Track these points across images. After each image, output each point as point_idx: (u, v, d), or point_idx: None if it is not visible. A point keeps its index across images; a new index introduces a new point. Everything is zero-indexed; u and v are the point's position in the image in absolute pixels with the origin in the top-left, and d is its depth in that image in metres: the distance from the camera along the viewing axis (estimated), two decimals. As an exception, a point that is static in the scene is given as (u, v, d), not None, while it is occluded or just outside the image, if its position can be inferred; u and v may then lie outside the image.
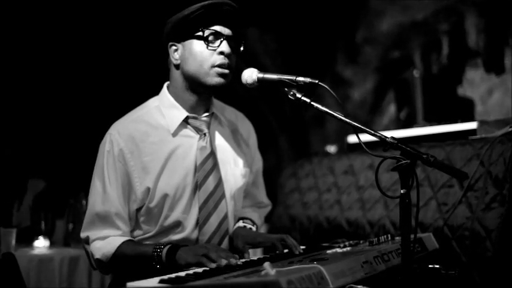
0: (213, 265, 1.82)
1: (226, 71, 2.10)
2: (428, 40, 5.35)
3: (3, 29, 4.35)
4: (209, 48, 2.08)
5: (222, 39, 2.09)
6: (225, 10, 2.08)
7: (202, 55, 2.08)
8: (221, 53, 2.08)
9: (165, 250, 1.97)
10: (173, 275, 1.63)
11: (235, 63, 2.16)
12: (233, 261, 1.83)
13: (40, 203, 3.74)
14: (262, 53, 5.66)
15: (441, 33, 5.26)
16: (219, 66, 2.08)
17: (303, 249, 2.12)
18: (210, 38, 2.08)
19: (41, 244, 3.48)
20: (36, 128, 4.61)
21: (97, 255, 2.07)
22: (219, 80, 2.10)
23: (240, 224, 2.33)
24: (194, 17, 2.05)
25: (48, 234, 3.57)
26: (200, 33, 2.08)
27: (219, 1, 2.06)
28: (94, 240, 2.09)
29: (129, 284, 1.52)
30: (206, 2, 2.04)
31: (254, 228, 2.34)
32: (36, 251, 3.37)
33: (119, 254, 2.05)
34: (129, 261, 2.05)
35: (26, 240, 3.53)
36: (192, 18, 2.06)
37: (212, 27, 2.08)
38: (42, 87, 4.63)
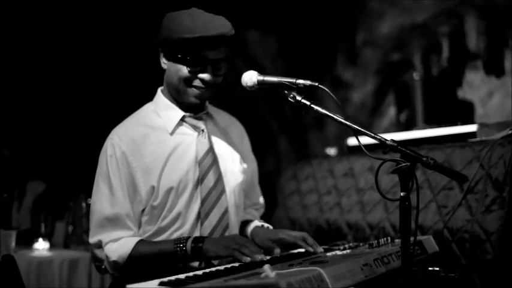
0: (247, 259, 1.88)
1: (202, 93, 2.14)
2: (429, 42, 5.36)
3: (3, 29, 4.36)
4: (192, 71, 2.10)
5: (207, 64, 2.10)
6: (217, 37, 2.08)
7: (183, 75, 2.11)
8: (201, 79, 2.11)
9: (189, 243, 2.00)
10: (173, 277, 1.63)
11: (220, 79, 2.18)
12: (258, 257, 1.89)
13: (40, 205, 3.74)
14: (262, 56, 5.66)
15: (441, 36, 5.26)
16: (196, 87, 2.12)
17: (299, 252, 2.15)
18: (195, 62, 2.10)
19: (41, 246, 3.48)
20: (36, 130, 4.61)
21: (113, 257, 2.06)
22: (195, 100, 2.16)
23: (258, 223, 2.39)
24: (182, 42, 2.06)
25: (48, 236, 3.57)
26: (185, 59, 2.10)
27: (209, 35, 2.04)
28: (107, 243, 2.09)
29: (128, 286, 1.52)
30: (195, 35, 2.03)
31: (271, 227, 2.38)
32: (36, 253, 3.37)
33: (136, 254, 2.05)
34: (147, 260, 2.06)
35: (26, 242, 3.53)
36: (180, 43, 2.07)
37: (200, 53, 2.08)
38: (41, 89, 4.63)
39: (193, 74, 2.11)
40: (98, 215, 2.12)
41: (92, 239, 2.13)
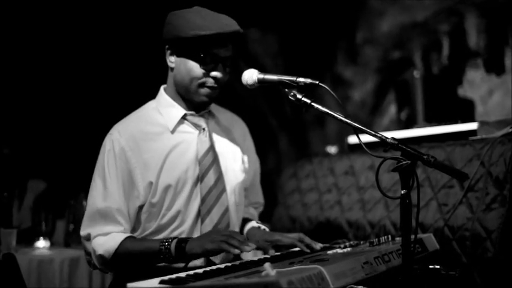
0: (236, 251, 1.83)
1: (214, 92, 2.15)
2: (429, 41, 5.35)
3: (3, 29, 4.35)
4: (204, 71, 2.11)
5: (218, 62, 2.12)
6: (229, 35, 2.09)
7: (195, 74, 2.12)
8: (214, 77, 2.12)
9: (173, 243, 1.98)
10: (173, 276, 1.63)
11: (228, 76, 2.19)
12: (247, 248, 1.84)
13: (40, 204, 3.75)
14: (262, 54, 5.66)
15: (441, 34, 5.26)
16: (209, 87, 2.13)
17: (299, 250, 2.15)
18: (207, 60, 2.11)
19: (42, 245, 3.48)
20: (36, 129, 4.61)
21: (99, 251, 2.06)
22: (205, 99, 2.16)
23: (255, 224, 2.39)
24: (195, 40, 2.06)
25: (48, 235, 3.57)
26: (198, 56, 2.10)
27: (226, 31, 2.06)
28: (96, 236, 2.09)
29: (129, 284, 1.52)
30: (212, 32, 2.03)
31: (268, 229, 2.38)
32: (36, 252, 3.37)
33: (122, 250, 2.05)
34: (133, 257, 2.05)
35: (27, 241, 3.53)
36: (193, 40, 2.06)
37: (212, 50, 2.10)
38: (42, 87, 4.63)
39: (206, 72, 2.11)
40: (90, 208, 2.12)
41: (82, 232, 2.12)
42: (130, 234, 2.13)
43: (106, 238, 2.08)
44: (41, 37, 4.56)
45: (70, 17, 4.61)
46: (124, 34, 4.69)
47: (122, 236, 2.08)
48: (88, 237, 2.11)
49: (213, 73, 2.11)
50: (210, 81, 2.12)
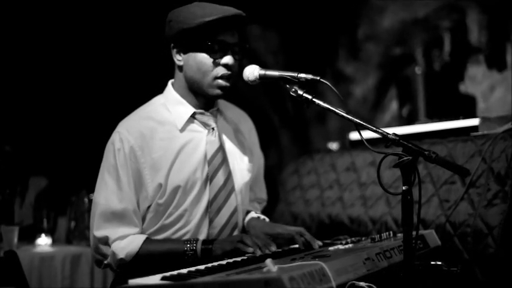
0: (250, 250, 1.93)
1: (228, 84, 2.12)
2: (430, 37, 5.35)
3: (3, 28, 4.35)
4: (214, 60, 2.08)
5: (227, 49, 2.09)
6: (234, 19, 2.07)
7: (206, 66, 2.09)
8: (225, 65, 2.09)
9: (199, 245, 2.02)
10: (175, 272, 1.63)
11: (238, 66, 2.17)
12: (272, 248, 1.95)
13: (42, 201, 3.74)
14: (263, 50, 5.66)
15: (443, 30, 5.26)
16: (222, 77, 2.09)
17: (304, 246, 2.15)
18: (215, 48, 2.08)
19: (43, 242, 3.48)
20: (38, 126, 4.61)
21: (121, 255, 2.05)
22: (219, 91, 2.12)
23: (254, 215, 2.37)
24: (201, 28, 2.03)
25: (50, 232, 3.57)
26: (205, 45, 2.08)
27: (229, 14, 2.04)
28: (115, 240, 2.07)
29: (130, 281, 1.52)
30: (216, 17, 2.01)
31: (267, 220, 2.37)
32: (38, 249, 3.38)
33: (144, 252, 2.05)
34: (154, 259, 2.06)
35: (28, 238, 3.53)
36: (198, 30, 2.04)
37: (218, 37, 2.07)
38: (43, 84, 4.63)
39: (215, 61, 2.08)
40: (104, 208, 2.08)
41: (98, 233, 2.09)
42: (146, 236, 2.12)
43: (126, 241, 2.07)
44: (42, 33, 4.56)
45: (71, 11, 4.60)
46: (126, 28, 4.68)
47: (141, 238, 2.08)
48: (105, 240, 2.09)
49: (223, 60, 2.07)
50: (222, 70, 2.08)
